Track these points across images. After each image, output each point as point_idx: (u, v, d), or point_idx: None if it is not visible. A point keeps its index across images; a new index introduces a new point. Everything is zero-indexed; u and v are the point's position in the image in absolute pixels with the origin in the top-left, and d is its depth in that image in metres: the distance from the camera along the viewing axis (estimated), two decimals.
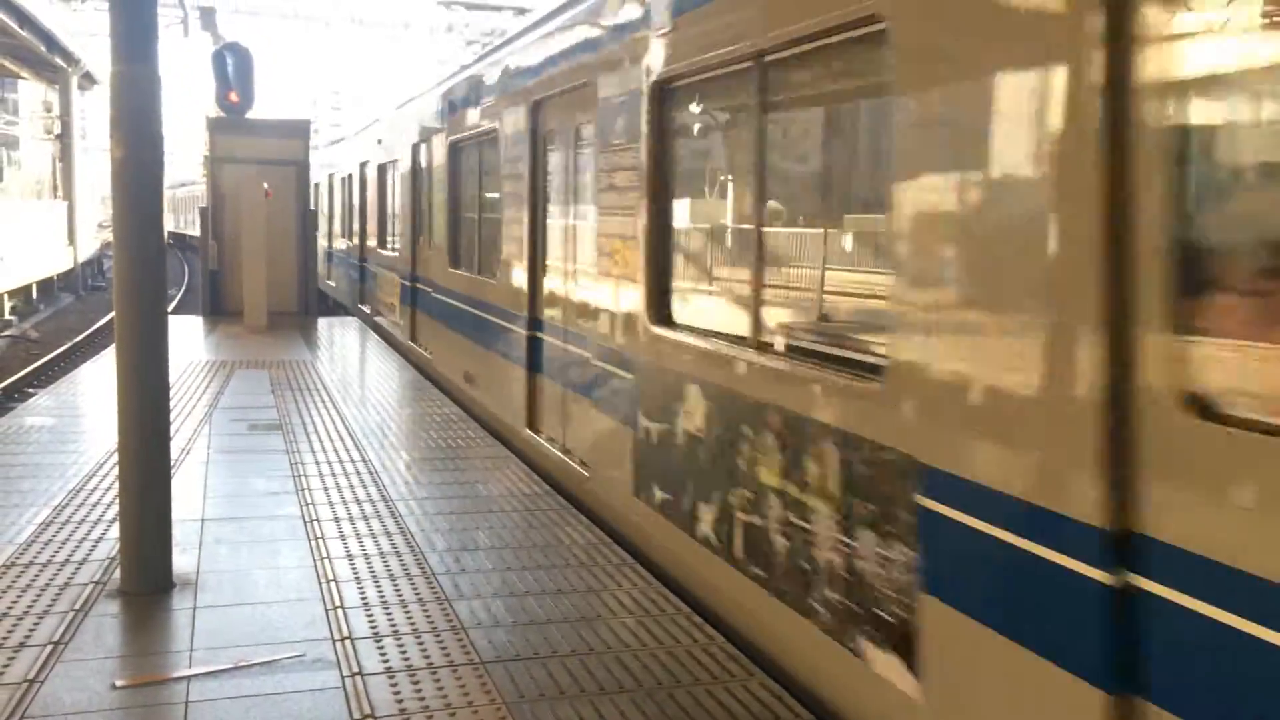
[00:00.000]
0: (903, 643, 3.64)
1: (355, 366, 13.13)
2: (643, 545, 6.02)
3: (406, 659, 4.46)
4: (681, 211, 5.84)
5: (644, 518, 5.95)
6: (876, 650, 3.80)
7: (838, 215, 4.73)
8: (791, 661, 4.48)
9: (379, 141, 17.03)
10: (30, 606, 4.91)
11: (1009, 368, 3.10)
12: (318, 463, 7.88)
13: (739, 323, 5.03)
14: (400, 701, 4.07)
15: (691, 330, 5.51)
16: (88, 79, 36.07)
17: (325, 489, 7.14)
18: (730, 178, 5.52)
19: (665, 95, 5.79)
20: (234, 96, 18.87)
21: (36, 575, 5.33)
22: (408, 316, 14.10)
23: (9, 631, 4.62)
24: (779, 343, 4.71)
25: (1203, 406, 2.52)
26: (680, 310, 5.76)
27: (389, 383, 11.87)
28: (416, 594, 5.22)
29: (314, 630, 4.75)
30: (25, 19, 26.99)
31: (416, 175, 13.52)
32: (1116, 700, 2.74)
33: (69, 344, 21.45)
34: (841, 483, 4.00)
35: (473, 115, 10.34)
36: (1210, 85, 2.64)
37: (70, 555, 5.65)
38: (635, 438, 6.02)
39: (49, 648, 4.47)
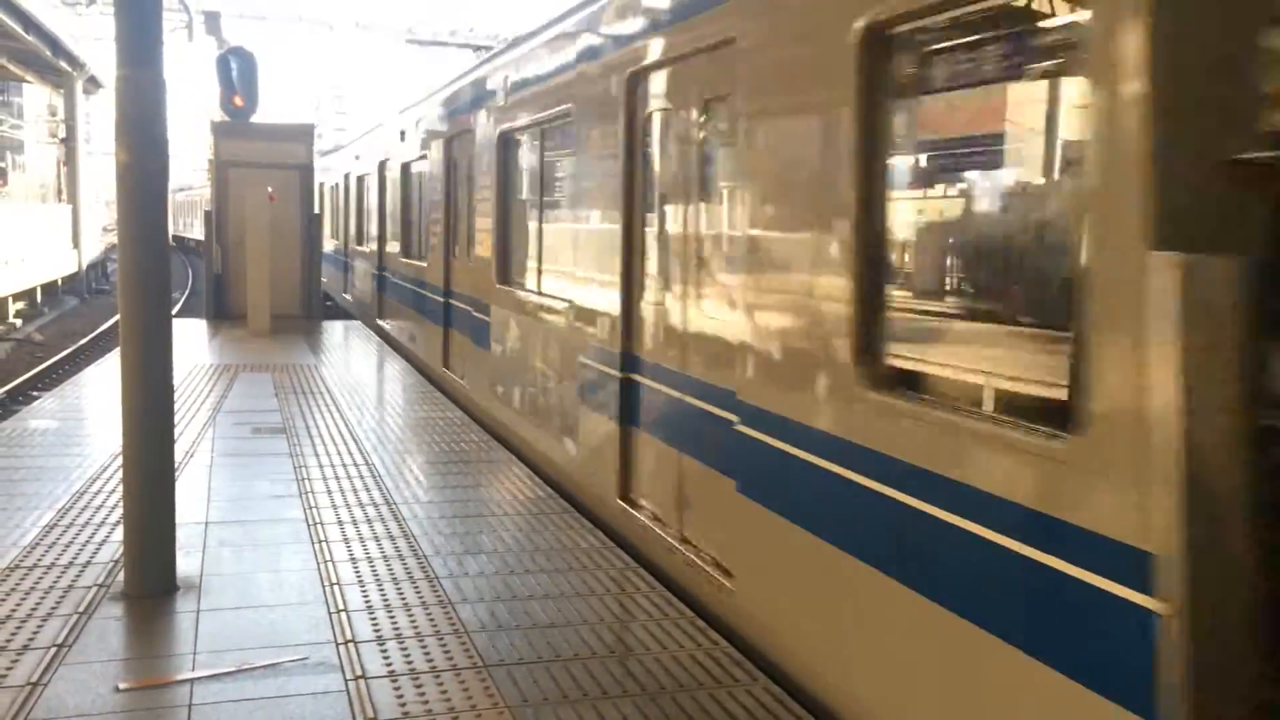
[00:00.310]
0: (574, 429, 7.17)
1: (358, 370, 13.14)
2: (493, 425, 9.46)
3: (410, 662, 4.46)
4: (513, 214, 9.32)
5: (494, 406, 9.49)
6: (568, 438, 7.32)
7: (571, 220, 7.57)
8: (538, 458, 8.05)
9: (357, 158, 20.20)
10: (34, 609, 4.92)
11: (593, 299, 6.76)
12: (321, 466, 7.88)
13: (532, 281, 8.61)
14: (403, 705, 4.08)
15: (515, 285, 9.07)
16: (93, 83, 36.15)
17: (329, 492, 7.15)
18: (531, 194, 8.87)
19: (506, 141, 9.36)
20: (238, 100, 18.89)
21: (40, 578, 5.34)
22: (376, 299, 17.51)
23: (12, 634, 4.63)
24: (545, 291, 8.12)
25: (633, 309, 6.20)
26: (511, 275, 9.32)
27: (392, 386, 11.88)
28: (420, 597, 5.22)
29: (317, 633, 4.75)
30: (30, 23, 27.06)
31: (382, 186, 16.90)
32: (622, 428, 6.26)
33: (73, 347, 21.49)
34: (560, 358, 7.49)
35: (414, 145, 13.88)
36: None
37: (74, 558, 5.66)
38: (490, 356, 9.63)
39: (52, 651, 4.48)
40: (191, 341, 15.31)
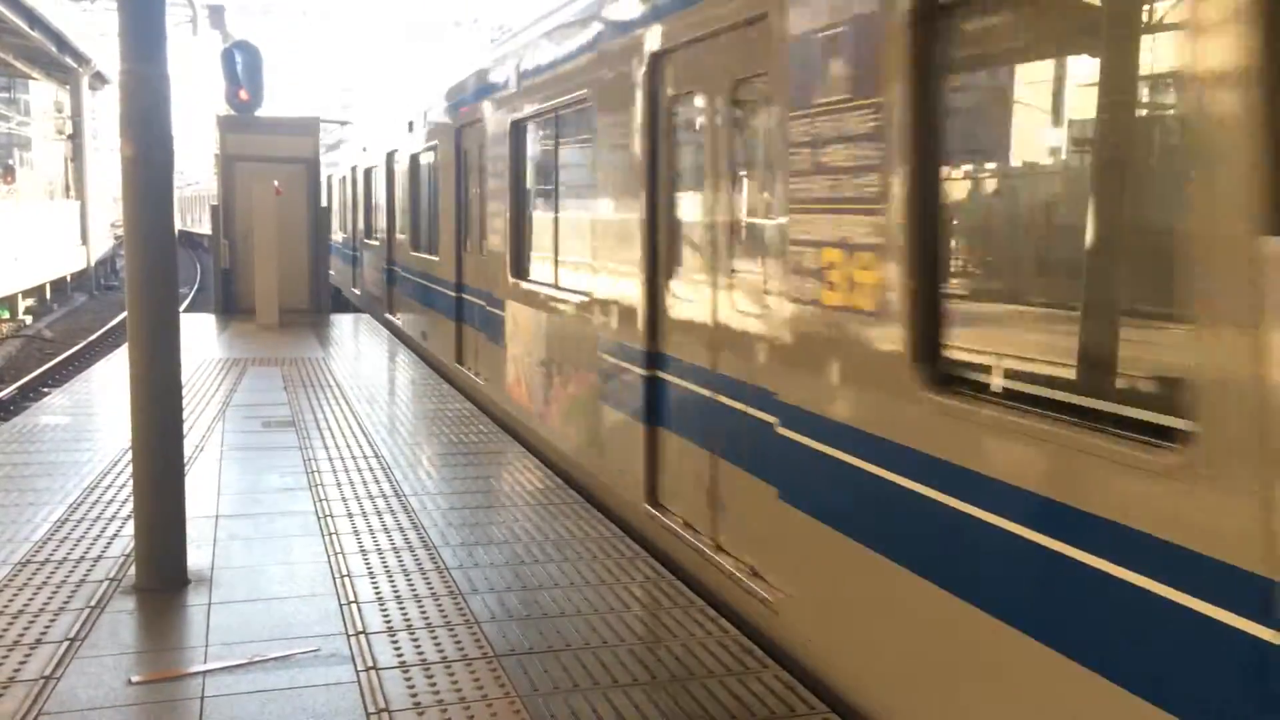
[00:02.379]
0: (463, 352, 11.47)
1: (367, 363, 13.17)
2: (418, 351, 13.98)
3: (421, 653, 4.47)
4: (416, 210, 14.36)
5: (404, 331, 15.21)
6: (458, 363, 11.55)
7: (450, 213, 11.71)
8: (444, 370, 12.07)
9: (342, 162, 24.82)
10: (46, 604, 4.95)
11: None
12: (331, 459, 7.90)
13: (411, 246, 14.46)
14: (415, 695, 4.09)
15: (415, 250, 14.13)
16: (99, 79, 36.21)
17: (339, 485, 7.16)
18: (418, 200, 13.95)
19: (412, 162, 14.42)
20: (244, 94, 18.91)
21: (52, 573, 5.36)
22: (352, 270, 22.41)
23: (25, 628, 4.66)
24: (423, 252, 13.63)
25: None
26: (417, 244, 14.18)
27: (401, 378, 11.90)
28: (430, 588, 5.24)
29: (328, 625, 4.77)
30: (35, 20, 27.10)
31: (356, 185, 21.11)
32: (472, 338, 11.21)
33: (83, 343, 21.57)
34: (451, 306, 11.85)
35: (376, 155, 17.92)
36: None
37: (85, 552, 5.68)
38: (392, 293, 16.44)
39: (65, 644, 4.50)
40: (200, 336, 15.35)
